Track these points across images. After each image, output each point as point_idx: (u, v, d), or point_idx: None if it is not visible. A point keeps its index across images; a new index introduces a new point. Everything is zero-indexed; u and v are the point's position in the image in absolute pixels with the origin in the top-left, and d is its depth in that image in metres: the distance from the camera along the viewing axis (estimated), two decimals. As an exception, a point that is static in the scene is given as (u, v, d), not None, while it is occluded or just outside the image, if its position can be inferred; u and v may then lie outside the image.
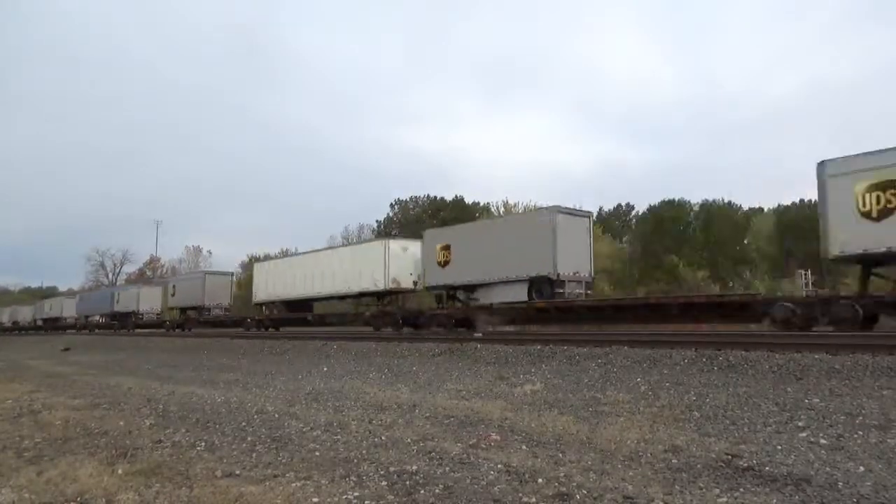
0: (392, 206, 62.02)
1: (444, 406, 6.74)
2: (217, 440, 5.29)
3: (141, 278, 70.48)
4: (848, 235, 12.33)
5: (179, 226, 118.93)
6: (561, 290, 17.00)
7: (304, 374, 10.82)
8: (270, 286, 28.52)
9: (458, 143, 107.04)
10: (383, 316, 21.91)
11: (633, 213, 64.46)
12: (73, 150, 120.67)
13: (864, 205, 12.08)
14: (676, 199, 57.65)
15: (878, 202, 11.92)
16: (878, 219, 11.82)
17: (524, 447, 4.70)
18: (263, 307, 29.55)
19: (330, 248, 31.25)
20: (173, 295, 35.72)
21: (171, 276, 45.68)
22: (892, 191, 11.62)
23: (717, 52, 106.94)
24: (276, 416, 6.49)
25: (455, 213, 57.94)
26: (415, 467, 4.14)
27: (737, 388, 6.89)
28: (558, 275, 16.84)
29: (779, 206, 53.78)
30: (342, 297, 25.31)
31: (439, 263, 20.17)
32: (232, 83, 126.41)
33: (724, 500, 3.32)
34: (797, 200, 55.11)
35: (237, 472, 4.17)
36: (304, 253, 29.65)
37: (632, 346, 10.32)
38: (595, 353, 9.88)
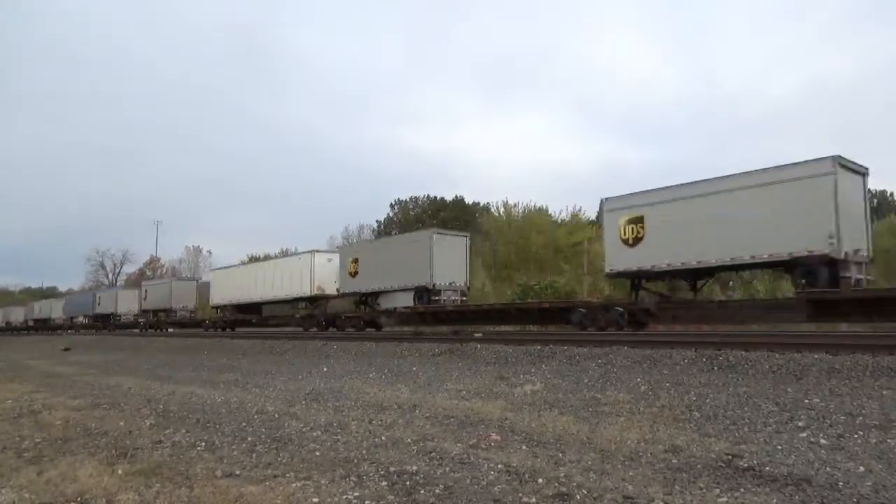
0: (392, 206, 62.05)
1: (444, 406, 6.74)
2: (217, 440, 5.29)
3: (141, 278, 70.58)
4: (616, 257, 16.23)
5: (179, 226, 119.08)
6: (437, 298, 20.66)
7: (304, 375, 10.82)
8: (225, 291, 32.25)
9: (459, 142, 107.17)
10: (309, 318, 25.80)
11: (633, 213, 64.56)
12: (73, 150, 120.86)
13: (624, 234, 16.02)
14: (676, 199, 57.73)
15: (632, 232, 15.83)
16: (633, 245, 15.78)
17: (524, 447, 4.70)
18: (218, 310, 33.21)
19: (270, 258, 35.89)
20: (145, 299, 38.81)
21: (148, 281, 47.87)
22: (640, 224, 15.64)
23: (717, 52, 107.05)
24: (276, 416, 6.49)
25: (455, 213, 57.93)
26: (415, 467, 4.14)
27: (737, 388, 6.89)
28: (434, 284, 20.54)
29: (779, 205, 53.85)
30: (280, 302, 29.09)
31: (350, 274, 23.96)
32: (232, 83, 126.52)
33: (725, 500, 3.32)
34: (797, 200, 55.27)
35: (237, 472, 4.17)
36: (250, 262, 35.54)
37: (632, 346, 10.33)
38: (595, 353, 9.88)
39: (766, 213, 13.32)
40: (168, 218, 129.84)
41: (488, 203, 53.12)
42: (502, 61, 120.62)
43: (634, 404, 6.38)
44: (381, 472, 4.03)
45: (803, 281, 12.91)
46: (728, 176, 14.22)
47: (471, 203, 60.04)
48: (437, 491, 3.59)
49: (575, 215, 39.24)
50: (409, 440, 5.06)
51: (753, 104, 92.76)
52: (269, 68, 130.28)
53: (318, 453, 4.66)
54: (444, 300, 20.75)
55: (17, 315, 59.55)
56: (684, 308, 15.81)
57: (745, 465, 3.97)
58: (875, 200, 52.93)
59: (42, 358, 21.01)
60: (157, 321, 37.67)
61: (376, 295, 23.17)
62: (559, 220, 38.62)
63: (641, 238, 15.63)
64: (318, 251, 27.31)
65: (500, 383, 8.38)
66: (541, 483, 3.70)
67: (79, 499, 3.70)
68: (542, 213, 38.79)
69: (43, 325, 51.62)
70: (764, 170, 13.65)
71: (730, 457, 4.16)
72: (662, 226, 15.21)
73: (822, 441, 4.56)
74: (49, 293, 76.19)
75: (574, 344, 11.14)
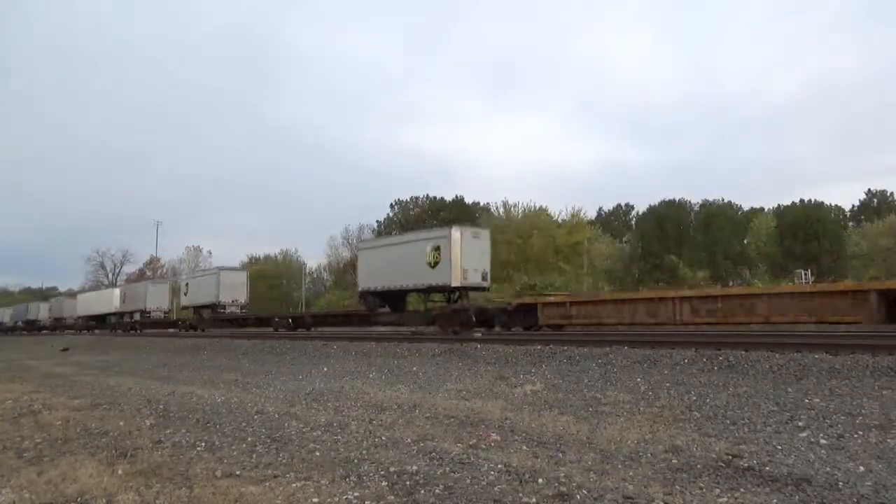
0: (392, 206, 62.13)
1: (444, 406, 6.74)
2: (217, 440, 5.29)
3: (141, 278, 70.59)
4: (361, 281, 21.96)
5: (179, 226, 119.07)
6: (223, 310, 27.13)
7: (304, 375, 10.81)
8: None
9: (460, 142, 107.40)
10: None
11: (633, 212, 64.58)
12: (74, 150, 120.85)
13: (361, 267, 22.51)
14: (676, 199, 57.81)
15: (366, 265, 21.90)
16: (365, 274, 21.85)
17: (524, 447, 4.70)
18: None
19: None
20: (123, 301, 39.63)
21: (125, 283, 51.03)
22: (364, 259, 22.41)
23: (718, 51, 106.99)
24: (277, 416, 6.49)
25: (455, 213, 57.99)
26: (415, 467, 4.14)
27: (737, 388, 6.89)
28: (220, 302, 28.90)
29: (779, 206, 53.89)
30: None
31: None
32: (233, 82, 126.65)
33: (725, 500, 3.32)
34: (797, 200, 55.26)
35: (237, 472, 4.17)
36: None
37: (632, 346, 10.33)
38: (595, 354, 9.88)
39: (416, 257, 19.11)
40: (168, 218, 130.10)
41: (488, 203, 53.20)
42: (504, 61, 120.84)
43: (634, 404, 6.38)
44: (382, 473, 4.03)
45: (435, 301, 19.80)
46: (403, 234, 25.47)
47: (471, 203, 60.12)
48: (437, 491, 3.59)
49: (575, 215, 39.36)
50: (409, 440, 5.06)
51: (755, 103, 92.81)
52: (270, 68, 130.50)
53: (318, 453, 4.66)
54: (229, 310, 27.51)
55: (4, 316, 60.92)
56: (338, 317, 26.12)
57: (746, 465, 3.97)
58: (875, 201, 52.95)
59: (42, 358, 21.01)
60: (134, 322, 37.09)
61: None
62: (559, 221, 38.68)
63: (366, 269, 21.71)
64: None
65: (501, 383, 8.38)
66: (541, 483, 3.70)
67: (79, 499, 3.70)
68: (541, 213, 38.85)
69: (32, 327, 53.17)
70: (416, 232, 22.22)
71: (730, 457, 4.16)
72: (371, 262, 21.47)
73: (822, 441, 4.56)
74: (49, 293, 76.19)
75: (574, 344, 11.14)
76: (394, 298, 20.66)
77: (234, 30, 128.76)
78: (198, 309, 32.70)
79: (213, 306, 30.50)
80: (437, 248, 18.37)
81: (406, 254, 19.60)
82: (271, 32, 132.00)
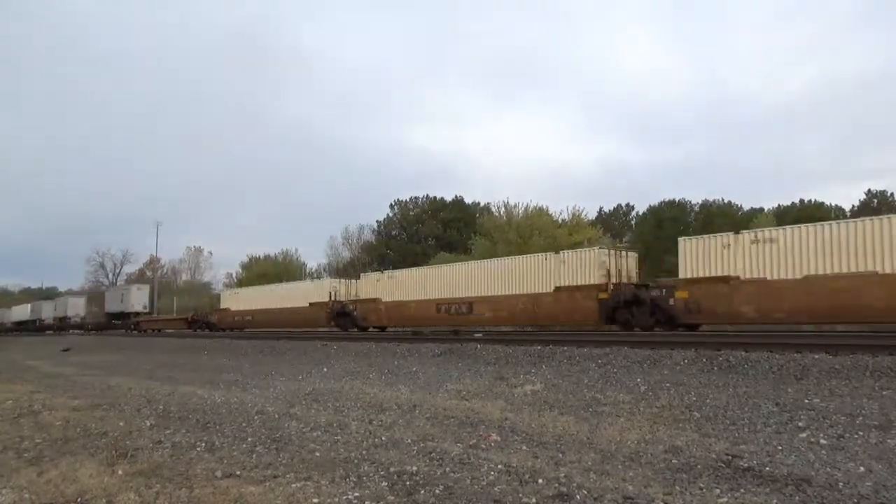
0: (392, 206, 62.06)
1: (444, 406, 6.74)
2: (217, 441, 5.29)
3: (141, 278, 70.61)
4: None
5: (179, 226, 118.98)
6: (136, 315, 41.55)
7: (304, 375, 10.81)
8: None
9: (461, 142, 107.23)
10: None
11: (634, 213, 64.54)
12: (74, 150, 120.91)
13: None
14: (677, 199, 57.77)
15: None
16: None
17: (524, 447, 4.70)
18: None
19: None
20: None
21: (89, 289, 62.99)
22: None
23: (722, 51, 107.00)
24: (277, 416, 6.49)
25: (455, 213, 58.00)
26: (415, 468, 4.14)
27: (737, 389, 6.89)
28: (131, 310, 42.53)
29: (779, 206, 53.83)
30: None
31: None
32: (234, 82, 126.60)
33: (725, 500, 3.32)
34: (797, 201, 55.22)
35: (237, 472, 4.17)
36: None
37: (632, 346, 10.32)
38: (595, 354, 9.88)
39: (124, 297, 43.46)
40: (168, 218, 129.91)
41: (488, 203, 53.18)
42: (504, 61, 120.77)
43: (634, 404, 6.38)
44: (382, 473, 4.03)
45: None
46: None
47: (471, 203, 60.09)
48: (437, 491, 3.59)
49: (575, 216, 39.32)
50: (409, 440, 5.07)
51: (756, 104, 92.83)
52: (270, 67, 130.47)
53: (318, 454, 4.66)
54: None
55: None
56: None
57: (746, 465, 3.97)
58: (875, 201, 52.88)
59: (42, 358, 21.01)
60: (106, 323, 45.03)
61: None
62: (560, 221, 38.67)
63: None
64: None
65: (500, 383, 8.38)
66: (541, 483, 3.70)
67: (79, 499, 3.70)
68: (542, 213, 38.83)
69: (19, 328, 57.03)
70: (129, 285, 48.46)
71: (730, 457, 4.16)
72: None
73: (822, 441, 4.56)
74: (49, 293, 76.24)
75: (574, 344, 11.14)
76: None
77: (236, 30, 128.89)
78: (115, 314, 43.04)
79: (126, 313, 42.17)
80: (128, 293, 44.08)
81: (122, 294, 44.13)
82: (272, 33, 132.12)
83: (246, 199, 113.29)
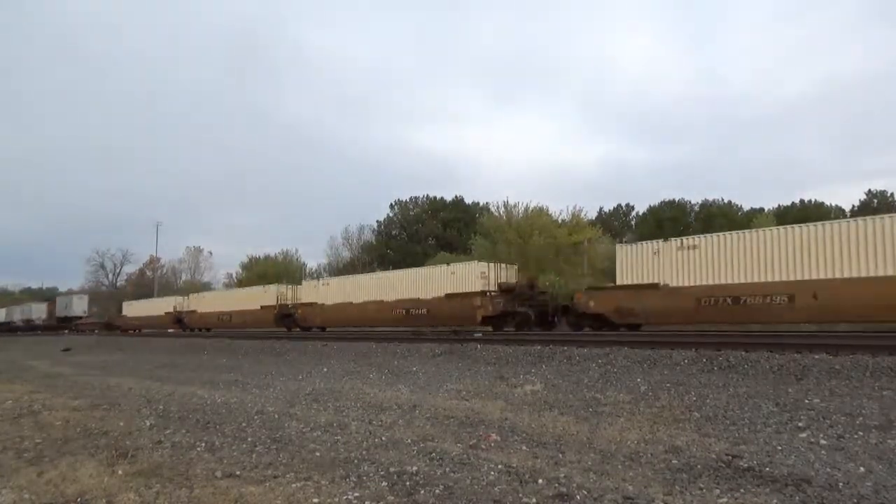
0: (392, 206, 62.05)
1: (444, 406, 6.74)
2: (217, 441, 5.29)
3: (141, 279, 70.62)
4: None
5: (180, 226, 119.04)
6: (78, 319, 49.75)
7: (304, 375, 10.81)
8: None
9: (462, 142, 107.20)
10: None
11: (634, 213, 64.54)
12: (74, 150, 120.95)
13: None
14: (677, 199, 57.80)
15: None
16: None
17: (524, 447, 4.70)
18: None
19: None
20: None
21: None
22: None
23: (724, 51, 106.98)
24: (277, 416, 6.49)
25: (455, 213, 57.98)
26: (415, 468, 4.14)
27: (737, 389, 6.89)
28: (73, 315, 50.19)
29: (779, 206, 53.85)
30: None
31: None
32: (234, 82, 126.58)
33: (725, 500, 3.32)
34: (797, 201, 55.24)
35: (237, 472, 4.17)
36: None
37: (632, 346, 10.32)
38: (595, 354, 9.88)
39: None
40: (168, 218, 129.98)
41: (488, 203, 53.15)
42: (505, 61, 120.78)
43: (634, 405, 6.38)
44: (382, 473, 4.03)
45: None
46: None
47: (471, 203, 60.08)
48: (437, 491, 3.59)
49: (575, 216, 39.30)
50: (409, 440, 5.07)
51: (756, 104, 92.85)
52: (272, 67, 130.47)
53: (318, 454, 4.66)
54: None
55: None
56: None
57: (746, 465, 3.97)
58: (875, 201, 52.88)
59: (42, 358, 21.01)
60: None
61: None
62: (560, 221, 38.66)
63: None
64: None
65: (500, 383, 8.38)
66: (541, 483, 3.70)
67: (79, 499, 3.70)
68: (542, 213, 38.81)
69: (7, 328, 58.98)
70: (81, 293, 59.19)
71: (730, 457, 4.16)
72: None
73: (822, 441, 4.56)
74: (49, 294, 76.30)
75: (574, 344, 11.14)
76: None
77: (236, 29, 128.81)
78: (62, 318, 50.49)
79: (69, 317, 49.93)
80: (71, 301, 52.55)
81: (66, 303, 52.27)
82: (273, 33, 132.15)
83: (246, 199, 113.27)
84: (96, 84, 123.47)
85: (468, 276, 21.93)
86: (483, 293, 21.05)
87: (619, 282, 18.51)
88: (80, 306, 51.29)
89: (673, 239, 17.73)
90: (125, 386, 10.32)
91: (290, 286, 31.83)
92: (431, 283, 23.45)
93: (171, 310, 38.87)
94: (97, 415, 7.05)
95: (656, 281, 17.30)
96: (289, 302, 30.06)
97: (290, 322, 29.29)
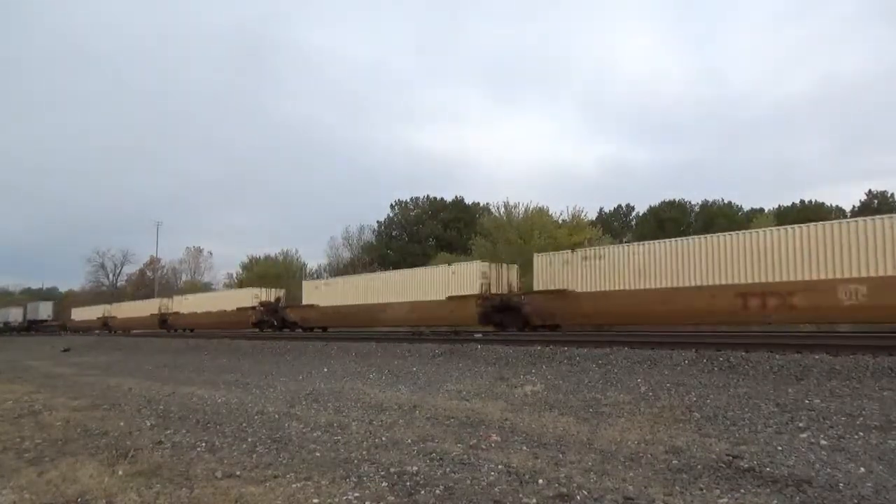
0: (392, 206, 62.05)
1: (444, 407, 6.74)
2: (217, 441, 5.29)
3: (141, 279, 70.64)
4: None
5: (180, 226, 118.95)
6: (43, 322, 54.06)
7: (304, 375, 10.82)
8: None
9: (462, 143, 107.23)
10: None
11: (634, 213, 64.56)
12: (74, 150, 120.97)
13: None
14: (677, 199, 57.82)
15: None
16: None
17: (525, 448, 4.70)
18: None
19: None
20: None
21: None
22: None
23: (725, 51, 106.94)
24: (277, 416, 6.49)
25: (455, 213, 57.99)
26: (415, 468, 4.14)
27: (737, 389, 6.89)
28: (39, 318, 56.15)
29: (779, 206, 53.87)
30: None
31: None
32: (235, 82, 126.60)
33: (725, 500, 3.32)
34: (797, 201, 55.25)
35: (238, 472, 4.17)
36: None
37: (632, 346, 10.32)
38: (595, 354, 9.88)
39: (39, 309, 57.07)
40: (168, 218, 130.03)
41: (488, 203, 53.14)
42: (505, 61, 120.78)
43: (635, 405, 6.38)
44: (382, 473, 4.03)
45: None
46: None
47: (471, 203, 60.07)
48: (438, 492, 3.59)
49: (576, 216, 39.30)
50: (409, 441, 5.06)
51: (756, 104, 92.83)
52: (272, 67, 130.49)
53: (318, 454, 4.66)
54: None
55: None
56: None
57: (746, 465, 3.97)
58: (875, 201, 52.86)
59: (42, 359, 21.01)
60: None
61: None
62: (560, 221, 38.66)
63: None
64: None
65: (501, 384, 8.38)
66: (541, 484, 3.70)
67: (79, 499, 3.70)
68: (542, 213, 38.82)
69: None
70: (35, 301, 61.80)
71: (730, 457, 4.16)
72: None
73: (823, 442, 4.56)
74: (49, 294, 76.31)
75: (574, 345, 11.14)
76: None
77: (236, 29, 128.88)
78: (31, 321, 55.64)
79: (37, 320, 54.95)
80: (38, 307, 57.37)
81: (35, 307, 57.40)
82: (273, 33, 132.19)
83: (246, 199, 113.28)
84: (96, 84, 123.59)
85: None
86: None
87: (535, 288, 20.34)
88: (45, 311, 58.21)
89: (578, 250, 20.04)
90: (125, 386, 10.32)
91: (265, 289, 33.62)
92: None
93: (156, 311, 40.11)
94: (97, 415, 7.05)
95: (564, 287, 19.33)
96: (270, 302, 31.39)
97: (266, 323, 30.40)
